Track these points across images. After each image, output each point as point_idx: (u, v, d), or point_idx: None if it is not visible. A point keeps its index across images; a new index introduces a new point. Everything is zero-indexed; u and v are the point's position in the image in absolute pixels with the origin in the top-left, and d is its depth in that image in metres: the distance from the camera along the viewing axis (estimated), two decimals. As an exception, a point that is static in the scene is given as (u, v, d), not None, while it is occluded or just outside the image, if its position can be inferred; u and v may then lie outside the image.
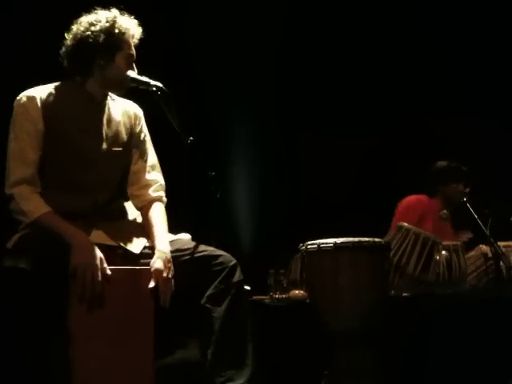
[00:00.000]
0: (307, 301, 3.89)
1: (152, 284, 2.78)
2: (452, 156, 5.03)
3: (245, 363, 2.86)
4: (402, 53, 5.80)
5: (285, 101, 5.70)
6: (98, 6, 2.97)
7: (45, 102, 2.86)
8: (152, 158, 3.11)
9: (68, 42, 2.93)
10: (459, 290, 4.22)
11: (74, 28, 2.93)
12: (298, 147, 5.78)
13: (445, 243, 4.31)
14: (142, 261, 2.89)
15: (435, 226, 4.74)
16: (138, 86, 3.00)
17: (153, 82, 2.98)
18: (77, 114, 2.92)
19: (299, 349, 3.82)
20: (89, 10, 2.97)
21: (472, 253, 4.45)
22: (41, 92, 2.89)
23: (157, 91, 2.95)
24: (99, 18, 2.92)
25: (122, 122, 3.02)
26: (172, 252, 2.89)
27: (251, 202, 5.58)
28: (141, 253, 2.92)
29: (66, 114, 2.89)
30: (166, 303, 2.78)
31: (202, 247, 2.94)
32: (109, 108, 3.01)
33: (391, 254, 4.03)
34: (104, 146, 2.95)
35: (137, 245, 2.93)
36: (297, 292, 4.08)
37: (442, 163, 4.96)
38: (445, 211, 4.63)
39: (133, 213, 3.09)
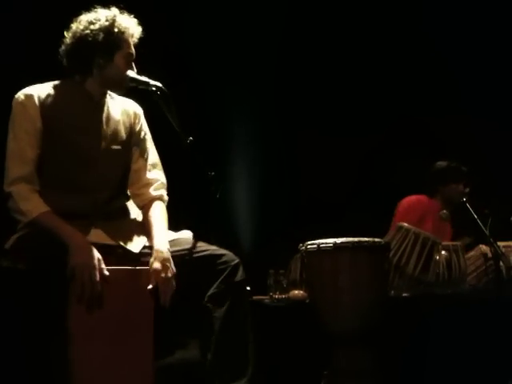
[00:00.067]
0: (307, 301, 3.89)
1: (151, 285, 2.77)
2: (452, 156, 5.02)
3: (245, 364, 2.86)
4: (402, 53, 5.80)
5: (285, 101, 5.70)
6: (98, 5, 2.96)
7: (43, 101, 2.86)
8: (153, 156, 3.10)
9: (67, 41, 2.92)
10: (459, 290, 4.22)
11: (74, 26, 2.92)
12: (297, 147, 5.78)
13: (444, 243, 4.32)
14: (142, 260, 2.88)
15: (435, 226, 4.74)
16: (138, 86, 2.99)
17: (152, 82, 2.97)
18: (75, 113, 2.91)
19: (299, 349, 3.82)
20: (89, 8, 2.96)
21: (472, 253, 4.44)
22: (39, 90, 2.88)
23: (156, 91, 2.94)
24: (99, 16, 2.92)
25: (121, 121, 3.02)
26: (174, 252, 2.87)
27: (251, 202, 5.58)
28: (141, 252, 2.91)
29: (64, 113, 2.88)
30: (166, 303, 2.77)
31: (205, 246, 2.94)
32: (108, 107, 3.01)
33: (391, 254, 4.03)
34: (103, 144, 2.94)
35: (136, 244, 2.92)
36: (296, 292, 4.08)
37: (441, 163, 4.96)
38: (445, 211, 4.62)
39: (135, 212, 3.09)
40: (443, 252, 4.22)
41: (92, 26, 2.89)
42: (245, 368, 2.85)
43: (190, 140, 2.93)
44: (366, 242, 3.62)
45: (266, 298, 4.13)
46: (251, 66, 5.51)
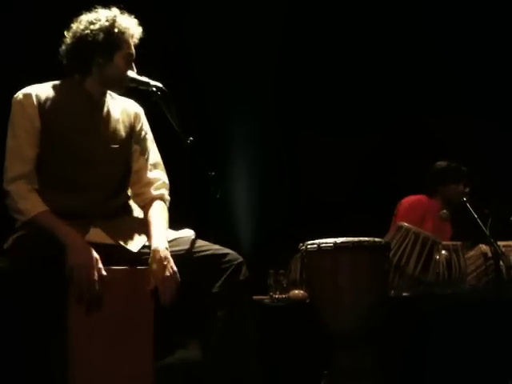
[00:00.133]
0: (307, 301, 3.89)
1: (151, 285, 2.76)
2: (452, 156, 5.02)
3: (246, 364, 2.85)
4: (402, 53, 5.80)
5: (285, 101, 5.70)
6: (99, 5, 2.96)
7: (41, 100, 2.86)
8: (154, 156, 3.09)
9: (67, 41, 2.92)
10: (459, 289, 4.21)
11: (74, 26, 2.92)
12: (298, 147, 5.78)
13: (444, 243, 4.31)
14: (141, 259, 2.86)
15: (435, 226, 4.74)
16: (138, 86, 2.99)
17: (152, 82, 2.97)
18: (74, 112, 2.91)
19: (299, 349, 3.82)
20: (89, 8, 2.96)
21: (472, 252, 4.44)
22: (37, 89, 2.89)
23: (157, 91, 2.94)
24: (99, 16, 2.92)
25: (120, 120, 3.01)
26: (174, 251, 2.86)
27: (251, 202, 5.58)
28: (140, 251, 2.89)
29: (63, 112, 2.88)
30: (166, 303, 2.75)
31: (208, 245, 2.92)
32: (108, 106, 3.00)
33: (391, 254, 4.03)
34: (102, 143, 2.94)
35: (136, 243, 2.91)
36: (297, 292, 4.07)
37: (441, 163, 4.95)
38: (445, 211, 4.62)
39: (137, 211, 3.08)
40: (443, 252, 4.22)
41: (92, 26, 2.89)
42: (246, 369, 2.85)
43: (191, 140, 2.93)
44: (366, 241, 3.62)
45: (266, 298, 4.13)
46: (251, 66, 5.51)
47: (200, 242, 2.94)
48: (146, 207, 3.03)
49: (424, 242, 4.23)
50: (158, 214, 3.00)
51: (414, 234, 4.24)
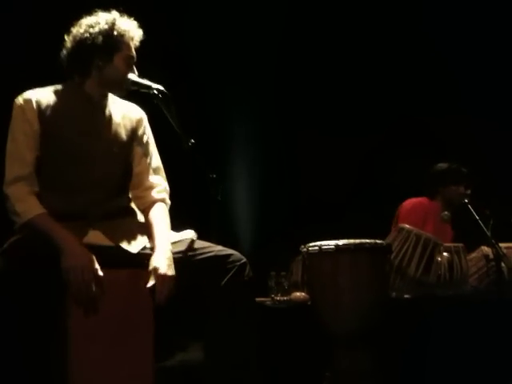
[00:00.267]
0: (308, 303, 3.88)
1: (150, 283, 2.74)
2: (452, 156, 5.02)
3: (247, 366, 2.84)
4: (402, 53, 5.79)
5: (285, 101, 5.70)
6: (99, 8, 2.96)
7: (41, 103, 2.87)
8: (156, 160, 3.09)
9: (68, 44, 2.93)
10: (461, 291, 4.21)
11: (74, 30, 2.93)
12: (298, 147, 5.78)
13: (446, 245, 4.30)
14: (140, 261, 2.85)
15: (436, 227, 4.73)
16: (140, 89, 2.99)
17: (154, 85, 2.96)
18: (73, 115, 2.91)
19: (300, 351, 3.81)
20: (90, 12, 2.96)
21: (473, 254, 4.43)
22: (38, 94, 2.90)
23: (158, 94, 2.94)
24: (99, 20, 2.92)
25: (122, 124, 3.01)
26: (176, 253, 2.86)
27: (251, 203, 5.58)
28: (140, 253, 2.89)
29: (62, 115, 2.89)
30: (161, 302, 2.74)
31: (210, 247, 2.92)
32: (108, 109, 3.00)
33: (392, 256, 4.02)
34: (101, 145, 2.93)
35: (136, 245, 2.90)
36: (298, 294, 4.07)
37: (442, 165, 4.95)
38: (446, 213, 4.62)
39: (137, 212, 3.08)
40: (445, 253, 4.21)
41: (92, 30, 2.90)
42: (246, 371, 2.84)
43: (192, 143, 2.92)
44: (367, 243, 3.62)
45: (267, 300, 4.12)
46: (251, 66, 5.51)
47: (202, 243, 2.93)
48: (146, 210, 3.03)
49: (425, 243, 4.22)
50: (160, 215, 3.00)
51: (416, 236, 4.24)
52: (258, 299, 3.96)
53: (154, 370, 2.81)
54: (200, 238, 2.96)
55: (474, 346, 3.81)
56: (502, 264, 4.07)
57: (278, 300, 4.10)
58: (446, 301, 4.05)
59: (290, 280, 4.27)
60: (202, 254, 2.89)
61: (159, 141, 3.14)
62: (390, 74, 5.79)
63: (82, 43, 2.89)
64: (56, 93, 2.93)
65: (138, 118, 3.07)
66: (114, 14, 2.95)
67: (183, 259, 2.86)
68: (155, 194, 3.04)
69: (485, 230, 4.07)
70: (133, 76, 2.97)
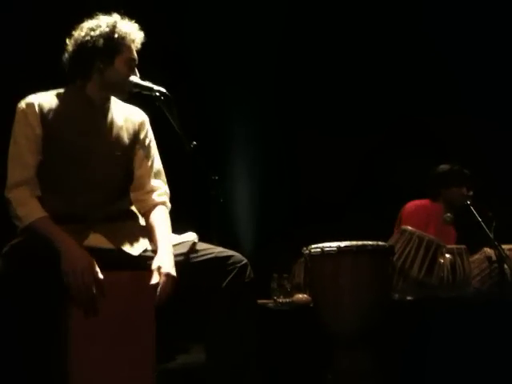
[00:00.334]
0: (311, 305, 3.88)
1: (154, 280, 2.73)
2: (453, 157, 5.01)
3: (248, 367, 2.84)
4: (402, 53, 5.80)
5: (285, 101, 5.70)
6: (100, 10, 2.96)
7: (43, 107, 2.87)
8: (157, 164, 3.09)
9: (69, 48, 2.94)
10: (463, 293, 4.20)
11: (76, 34, 2.94)
12: (298, 147, 5.78)
13: (449, 246, 4.30)
14: (141, 263, 2.85)
15: (438, 229, 4.73)
16: (141, 91, 2.99)
17: (156, 87, 2.96)
18: (75, 117, 2.91)
19: (303, 353, 3.81)
20: (91, 15, 2.96)
21: (476, 256, 4.43)
22: (40, 98, 2.90)
23: (160, 96, 2.94)
24: (100, 23, 2.93)
25: (124, 127, 3.01)
26: (179, 255, 2.86)
27: (251, 203, 5.58)
28: (141, 255, 2.89)
29: (64, 118, 2.89)
30: (163, 300, 2.74)
31: (211, 248, 2.91)
32: (110, 112, 3.00)
33: (395, 258, 4.03)
34: (103, 149, 2.93)
35: (137, 247, 2.90)
36: (300, 296, 4.06)
37: (443, 167, 4.94)
38: (449, 214, 4.61)
39: (138, 215, 3.08)
40: (447, 255, 4.21)
41: (93, 33, 2.90)
42: (248, 373, 2.83)
43: (194, 145, 2.92)
44: (369, 245, 3.62)
45: (269, 302, 4.12)
46: (251, 66, 5.51)
47: (203, 245, 2.93)
48: (147, 213, 3.03)
49: (428, 245, 4.22)
50: (161, 218, 3.00)
51: (418, 238, 4.24)
52: (260, 301, 3.96)
53: (155, 371, 2.80)
54: (201, 239, 2.96)
55: (476, 348, 3.80)
56: (505, 266, 4.07)
57: (280, 302, 4.10)
58: (448, 302, 4.04)
59: (293, 282, 4.28)
60: (202, 255, 2.89)
61: (161, 142, 3.13)
62: (389, 74, 5.79)
63: (83, 46, 2.90)
64: (58, 96, 2.94)
65: (141, 121, 3.07)
66: (115, 17, 2.96)
67: (184, 261, 2.86)
68: (156, 197, 3.04)
69: (487, 231, 4.07)
70: (135, 78, 2.96)
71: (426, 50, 5.78)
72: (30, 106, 2.86)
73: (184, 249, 2.90)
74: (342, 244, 3.60)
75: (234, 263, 2.86)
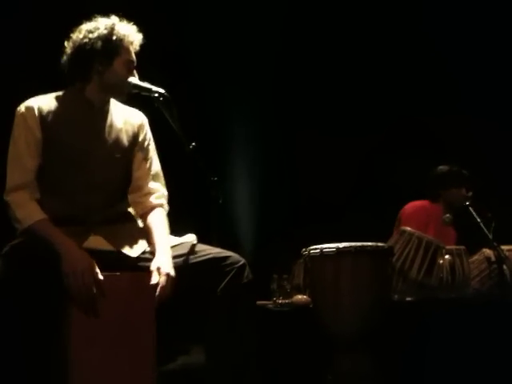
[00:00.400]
0: (310, 306, 3.89)
1: (154, 280, 2.74)
2: (453, 157, 5.02)
3: (248, 370, 2.84)
4: (402, 53, 5.79)
5: (284, 101, 5.70)
6: (99, 12, 2.97)
7: (43, 111, 2.88)
8: (156, 167, 3.09)
9: (68, 50, 2.94)
10: (463, 294, 4.20)
11: (74, 36, 2.94)
12: (297, 147, 5.78)
13: (448, 247, 4.30)
14: (140, 265, 2.86)
15: (438, 230, 4.72)
16: (140, 93, 2.99)
17: (155, 88, 2.96)
18: (74, 120, 2.92)
19: (303, 354, 3.81)
20: (89, 17, 2.97)
21: (475, 257, 4.42)
22: (39, 101, 2.91)
23: (159, 97, 2.94)
24: (98, 25, 2.93)
25: (123, 129, 3.01)
26: (177, 257, 2.86)
27: (251, 204, 5.58)
28: (140, 257, 2.89)
29: (63, 121, 2.89)
30: (163, 299, 2.74)
31: (209, 249, 2.92)
32: (110, 114, 3.00)
33: (394, 259, 4.03)
34: (103, 151, 2.94)
35: (136, 249, 2.91)
36: (300, 297, 4.06)
37: (443, 168, 4.94)
38: (448, 215, 4.61)
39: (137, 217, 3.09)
40: (447, 256, 4.21)
41: (91, 35, 2.91)
42: (248, 374, 2.84)
43: (193, 145, 2.92)
44: (368, 246, 3.62)
45: (269, 303, 4.12)
46: (251, 66, 5.51)
47: (201, 247, 2.93)
48: (144, 215, 3.03)
49: (427, 246, 4.22)
50: (159, 220, 3.00)
51: (418, 239, 4.24)
52: (260, 302, 3.96)
53: (155, 372, 2.80)
54: (201, 239, 2.96)
55: (476, 349, 3.80)
56: (504, 266, 4.07)
57: (280, 303, 4.10)
58: (448, 303, 4.04)
59: (292, 283, 4.28)
60: (200, 256, 2.89)
61: (160, 143, 3.13)
62: (389, 74, 5.79)
63: (81, 48, 2.90)
64: (57, 99, 2.94)
65: (140, 123, 3.07)
66: (114, 19, 2.96)
67: (183, 262, 2.87)
68: (154, 199, 3.04)
69: (486, 232, 4.07)
70: (133, 79, 2.97)
71: (425, 50, 5.77)
72: (30, 109, 2.87)
73: (183, 250, 2.91)
74: (342, 245, 3.60)
75: (232, 264, 2.86)
